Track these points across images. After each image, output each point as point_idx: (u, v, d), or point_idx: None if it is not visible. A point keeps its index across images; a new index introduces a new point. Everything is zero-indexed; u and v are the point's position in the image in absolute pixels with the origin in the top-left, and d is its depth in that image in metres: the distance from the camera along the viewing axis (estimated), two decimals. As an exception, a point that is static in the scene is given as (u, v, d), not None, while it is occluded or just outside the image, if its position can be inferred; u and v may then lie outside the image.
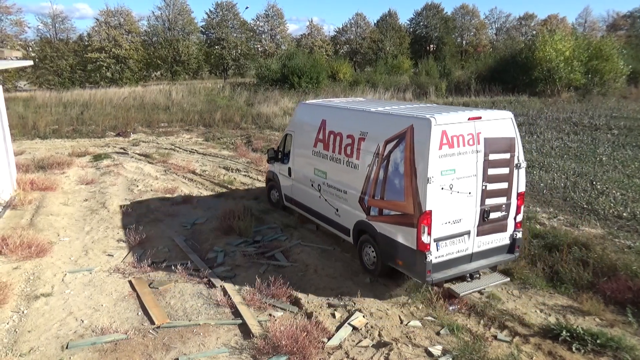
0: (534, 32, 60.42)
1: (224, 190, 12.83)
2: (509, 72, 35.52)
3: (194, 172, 14.76)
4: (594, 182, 12.44)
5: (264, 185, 12.76)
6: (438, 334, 6.14)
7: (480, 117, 6.94)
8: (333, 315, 6.55)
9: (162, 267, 8.06)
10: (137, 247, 8.98)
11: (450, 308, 6.75)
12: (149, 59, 50.65)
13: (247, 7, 66.70)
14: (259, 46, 59.68)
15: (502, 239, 7.41)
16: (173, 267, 8.03)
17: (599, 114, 24.79)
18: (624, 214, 10.17)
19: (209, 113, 26.61)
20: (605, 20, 75.84)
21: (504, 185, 7.21)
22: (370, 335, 6.08)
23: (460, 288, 7.06)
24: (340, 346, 5.86)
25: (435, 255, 6.76)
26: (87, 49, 47.22)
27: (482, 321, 6.45)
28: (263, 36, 60.96)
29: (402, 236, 6.97)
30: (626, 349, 5.65)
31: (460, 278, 7.24)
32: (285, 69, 35.39)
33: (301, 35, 64.79)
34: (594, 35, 46.75)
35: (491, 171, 7.03)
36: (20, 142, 19.66)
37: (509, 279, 7.52)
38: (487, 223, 7.15)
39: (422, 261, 6.66)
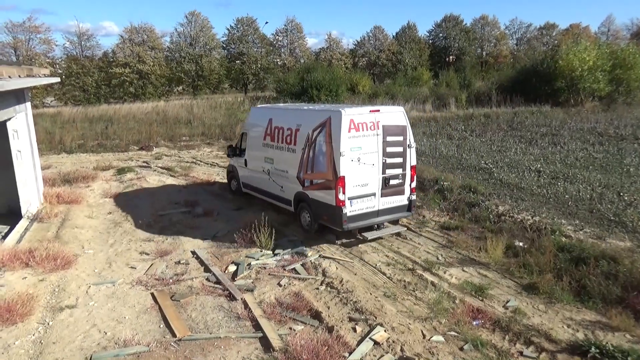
0: (556, 42, 59.72)
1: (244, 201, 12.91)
2: (531, 82, 35.07)
3: (215, 185, 14.89)
4: (621, 194, 12.12)
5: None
6: (461, 349, 6.01)
7: (379, 110, 9.58)
8: (354, 330, 6.48)
9: (183, 280, 8.12)
10: (159, 259, 9.08)
11: (474, 323, 6.62)
12: (172, 74, 51.67)
13: (266, 22, 67.90)
14: (278, 60, 60.32)
15: (401, 200, 9.95)
16: (194, 280, 8.09)
17: (624, 123, 24.24)
18: (654, 226, 9.86)
19: (229, 127, 26.91)
20: (629, 28, 74.38)
21: (400, 160, 9.72)
22: (392, 350, 5.99)
23: (369, 234, 9.61)
24: (361, 361, 5.78)
25: (349, 210, 9.23)
26: (111, 65, 48.44)
27: (507, 337, 6.30)
28: (282, 50, 61.66)
29: (326, 197, 9.42)
30: (659, 367, 5.44)
31: (370, 227, 9.71)
32: (304, 82, 35.63)
33: (320, 48, 65.33)
34: (618, 44, 45.84)
35: (389, 149, 9.54)
36: (47, 156, 20.16)
37: (405, 228, 10.38)
38: (388, 188, 9.66)
39: (339, 214, 9.16)
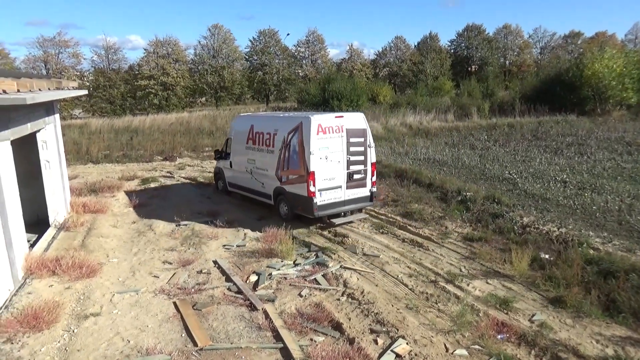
0: (581, 50, 58.70)
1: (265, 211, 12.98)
2: (555, 91, 34.46)
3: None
4: (652, 205, 11.76)
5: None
6: (486, 363, 5.88)
7: (342, 116, 11.34)
8: (375, 342, 6.40)
9: (205, 289, 8.17)
10: (181, 268, 9.17)
11: (499, 337, 6.47)
12: (195, 85, 52.55)
13: (288, 34, 68.81)
14: (299, 71, 60.78)
15: (363, 192, 11.70)
16: (216, 289, 8.13)
17: (654, 132, 23.60)
18: (687, 239, 9.52)
19: (251, 137, 27.10)
20: (658, 35, 72.78)
21: (361, 157, 11.48)
22: (414, 363, 5.89)
23: (337, 220, 11.41)
24: (383, 374, 5.70)
25: (319, 200, 10.97)
26: (137, 77, 49.54)
27: (533, 351, 6.13)
28: (304, 61, 62.13)
29: (300, 190, 11.11)
30: (695, 386, 5.22)
31: (338, 214, 11.46)
32: (325, 92, 35.76)
33: (341, 59, 65.66)
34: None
35: (352, 148, 11.29)
36: (74, 166, 20.65)
37: (367, 215, 12.07)
38: (352, 181, 11.42)
39: (311, 203, 10.89)
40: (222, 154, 14.94)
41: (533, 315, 7.02)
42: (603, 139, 22.72)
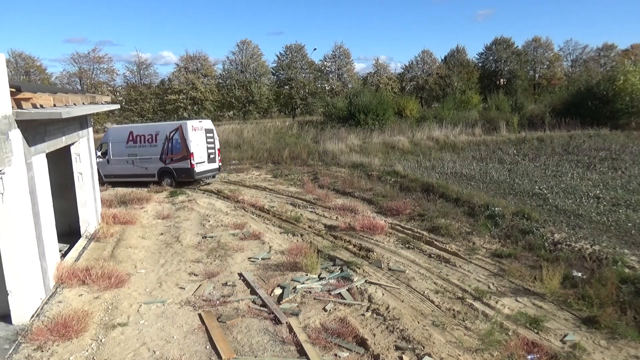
0: (614, 63, 57.28)
1: (291, 226, 13.00)
2: (586, 104, 33.64)
3: (262, 209, 15.11)
4: (691, 222, 11.29)
5: (329, 222, 13.23)
6: (515, 384, 5.69)
7: (202, 121, 19.66)
8: (401, 359, 6.28)
9: (230, 302, 8.20)
10: (207, 280, 9.24)
11: (529, 357, 6.26)
12: (223, 99, 53.46)
13: (315, 49, 69.21)
14: (326, 85, 61.09)
15: (215, 165, 19.95)
16: (240, 302, 8.16)
17: (693, 147, 22.75)
18: None
19: (277, 151, 27.39)
20: (695, 47, 70.29)
21: (213, 145, 19.59)
22: (440, 382, 5.76)
23: (206, 181, 20.07)
24: (408, 392, 5.59)
25: (196, 170, 18.66)
26: (167, 91, 50.76)
27: (565, 373, 5.92)
28: (330, 75, 62.47)
29: (184, 165, 18.55)
30: None
31: (204, 178, 19.84)
32: (351, 106, 35.80)
33: (367, 73, 65.72)
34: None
35: (208, 140, 19.31)
36: (105, 178, 21.14)
37: (218, 179, 20.88)
38: (210, 159, 19.45)
39: (192, 172, 18.58)
40: (97, 154, 19.45)
41: (565, 336, 6.79)
42: (638, 154, 22.03)
